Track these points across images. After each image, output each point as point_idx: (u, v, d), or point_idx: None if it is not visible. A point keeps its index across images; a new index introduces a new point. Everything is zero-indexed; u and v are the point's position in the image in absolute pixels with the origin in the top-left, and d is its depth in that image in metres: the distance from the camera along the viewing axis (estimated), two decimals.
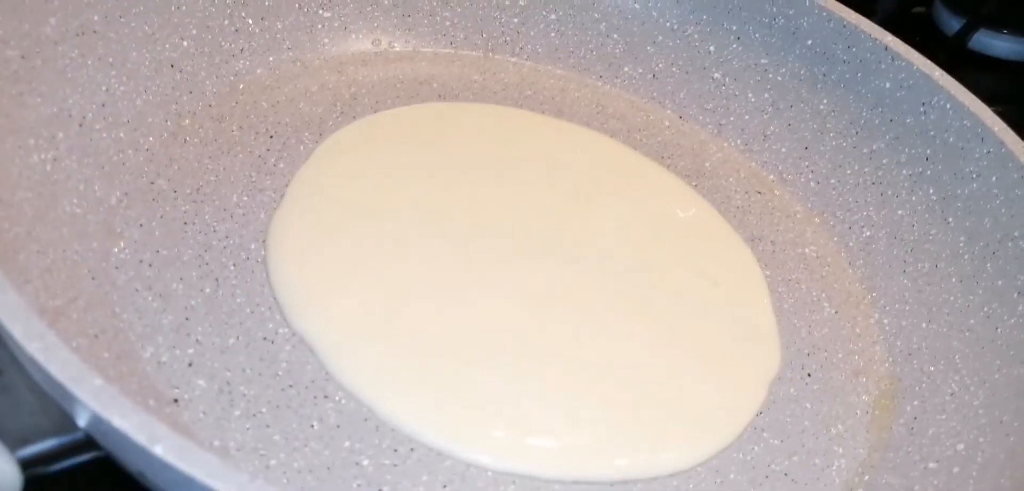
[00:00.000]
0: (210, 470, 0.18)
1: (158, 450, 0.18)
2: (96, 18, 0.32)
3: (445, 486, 0.27)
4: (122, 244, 0.30)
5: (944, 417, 0.31)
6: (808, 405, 0.32)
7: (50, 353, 0.19)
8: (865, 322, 0.35)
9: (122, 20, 0.33)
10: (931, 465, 0.29)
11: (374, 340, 0.29)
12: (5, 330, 0.20)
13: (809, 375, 0.33)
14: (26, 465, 0.21)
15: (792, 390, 0.32)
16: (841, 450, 0.31)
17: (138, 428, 0.19)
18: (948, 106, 0.37)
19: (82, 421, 0.20)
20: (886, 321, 0.35)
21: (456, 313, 0.31)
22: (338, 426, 0.27)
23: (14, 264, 0.25)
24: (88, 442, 0.22)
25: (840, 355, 0.34)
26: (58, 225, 0.29)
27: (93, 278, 0.29)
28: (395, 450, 0.27)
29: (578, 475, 0.28)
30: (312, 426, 0.27)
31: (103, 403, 0.19)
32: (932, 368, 0.33)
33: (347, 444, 0.27)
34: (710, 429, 0.30)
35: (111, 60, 0.33)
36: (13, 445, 0.21)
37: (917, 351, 0.34)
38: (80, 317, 0.27)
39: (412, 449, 0.27)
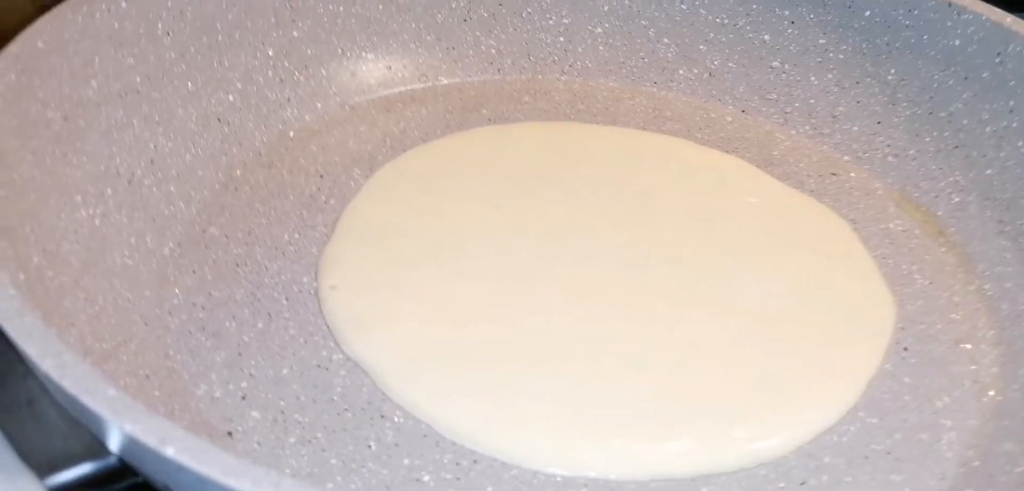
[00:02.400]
0: (225, 467, 0.17)
1: (170, 452, 0.17)
2: (138, 79, 0.33)
3: None
4: (176, 291, 0.30)
5: None
6: (907, 380, 0.29)
7: (64, 368, 0.19)
8: (963, 290, 0.32)
9: (165, 80, 0.34)
10: None
11: (430, 357, 0.28)
12: (25, 353, 0.20)
13: (905, 349, 0.30)
14: None
15: (888, 366, 0.29)
16: (949, 423, 0.27)
17: (148, 432, 0.18)
18: None
19: (111, 444, 0.19)
20: (987, 286, 0.32)
21: (520, 324, 0.30)
22: (396, 444, 0.26)
23: (58, 309, 0.25)
24: (120, 470, 0.21)
25: (939, 326, 0.31)
26: (108, 275, 0.29)
27: (145, 323, 0.28)
28: (457, 464, 0.26)
29: (654, 473, 0.25)
30: (369, 447, 0.26)
31: (119, 413, 0.18)
32: None
33: (407, 462, 0.26)
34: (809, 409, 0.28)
35: (157, 118, 0.33)
36: (42, 472, 0.20)
37: None
38: (131, 359, 0.27)
39: (475, 462, 0.26)
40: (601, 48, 0.42)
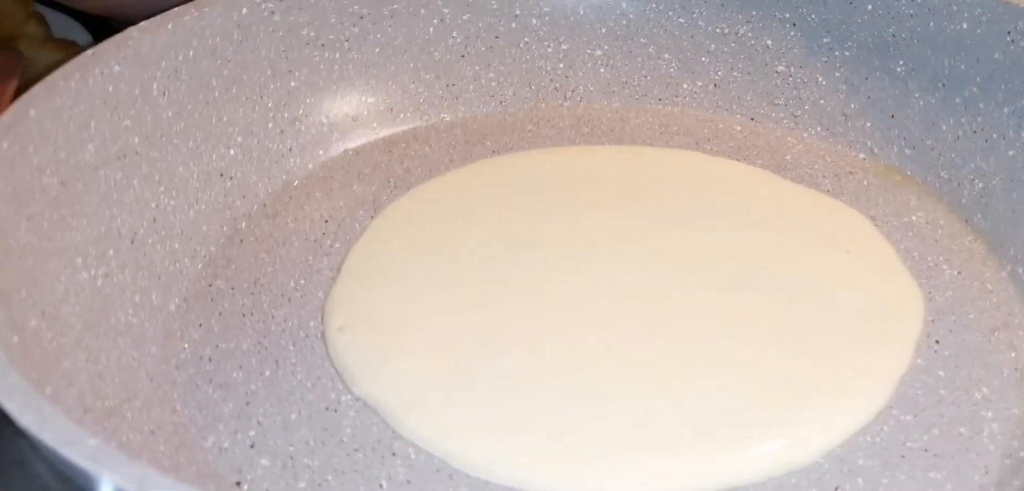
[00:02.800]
0: None
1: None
2: (136, 140, 0.33)
3: None
4: (183, 345, 0.30)
5: None
6: (941, 373, 0.27)
7: (45, 423, 0.18)
8: (995, 277, 0.31)
9: (163, 139, 0.34)
10: None
11: (440, 391, 0.27)
12: (7, 409, 0.19)
13: (937, 342, 0.29)
14: None
15: (919, 361, 0.28)
16: (990, 414, 0.26)
17: (128, 479, 0.17)
18: None
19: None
20: (1021, 270, 0.31)
21: (530, 352, 0.29)
22: (408, 481, 0.25)
23: (56, 369, 0.25)
24: None
25: (971, 316, 0.29)
26: (112, 334, 0.28)
27: (151, 380, 0.28)
28: None
29: None
30: (381, 485, 0.25)
31: (99, 463, 0.17)
32: None
33: None
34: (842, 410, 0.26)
35: (157, 178, 0.33)
36: None
37: None
38: (135, 416, 0.26)
39: None
40: (602, 70, 0.42)
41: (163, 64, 0.34)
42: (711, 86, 0.41)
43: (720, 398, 0.26)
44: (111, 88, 0.33)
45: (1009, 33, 0.34)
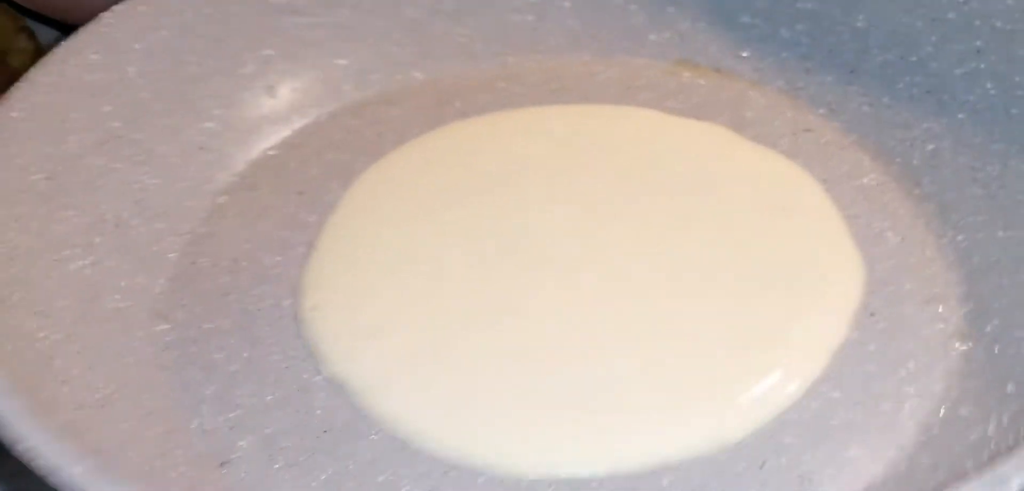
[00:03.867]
0: None
1: None
2: (117, 124, 0.34)
3: None
4: (167, 326, 0.32)
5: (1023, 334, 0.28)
6: (872, 348, 0.29)
7: (36, 449, 0.20)
8: (937, 244, 0.32)
9: (143, 119, 0.35)
10: (1010, 388, 0.26)
11: (404, 370, 0.30)
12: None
13: (872, 314, 0.30)
14: None
15: (854, 334, 0.30)
16: (912, 390, 0.28)
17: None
18: None
19: None
20: (960, 237, 0.32)
21: (489, 325, 0.31)
22: (372, 462, 0.28)
23: (46, 367, 0.27)
24: None
25: (908, 286, 0.31)
26: (102, 322, 0.31)
27: (139, 366, 0.30)
28: (429, 474, 0.27)
29: (614, 468, 0.27)
30: (347, 467, 0.28)
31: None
32: (1010, 279, 0.30)
33: (382, 478, 0.27)
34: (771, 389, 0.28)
35: (140, 158, 0.35)
36: None
37: (995, 264, 0.31)
38: (124, 405, 0.29)
39: (445, 472, 0.27)
40: (570, 22, 0.42)
41: (137, 46, 0.36)
42: (677, 37, 0.41)
43: (655, 371, 0.28)
44: (88, 77, 0.34)
45: None
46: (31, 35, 0.44)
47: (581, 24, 0.42)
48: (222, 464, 0.28)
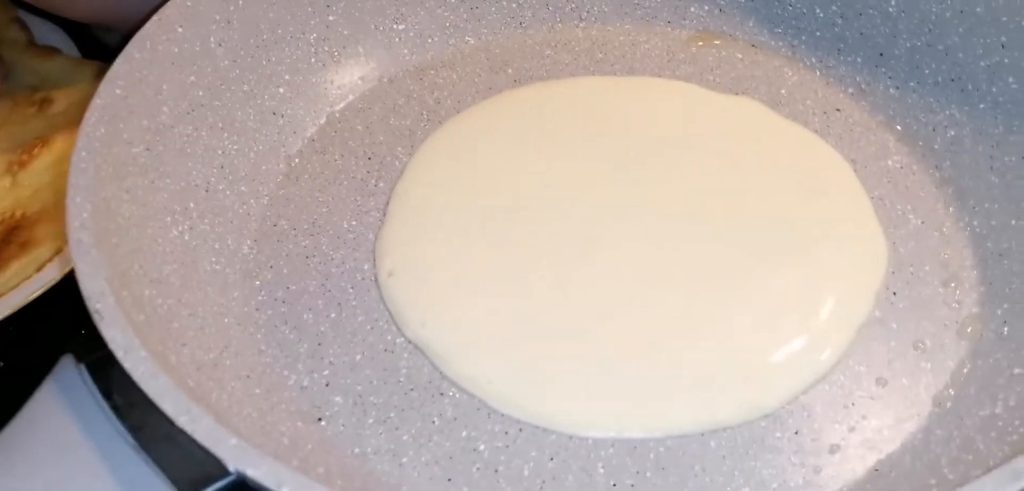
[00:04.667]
0: None
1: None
2: (201, 93, 0.37)
3: (552, 459, 0.30)
4: (257, 283, 0.35)
5: None
6: (893, 325, 0.33)
7: (196, 424, 0.24)
8: (954, 227, 0.36)
9: (223, 87, 0.38)
10: (1016, 371, 0.30)
11: (477, 335, 0.33)
12: (158, 406, 0.25)
13: (895, 293, 0.34)
14: None
15: (877, 312, 0.33)
16: (929, 366, 0.32)
17: (267, 475, 0.23)
18: None
19: (232, 470, 0.25)
20: (976, 222, 0.36)
21: (551, 295, 0.34)
22: (455, 419, 0.31)
23: (169, 332, 0.30)
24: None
25: (927, 268, 0.35)
26: (202, 285, 0.34)
27: (239, 324, 0.34)
28: (506, 432, 0.31)
29: (669, 430, 0.30)
30: (433, 422, 0.31)
31: (240, 458, 0.23)
32: (1022, 267, 0.33)
33: (464, 434, 0.31)
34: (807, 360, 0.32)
35: (221, 125, 0.38)
36: None
37: (1007, 251, 0.34)
38: (233, 363, 0.32)
39: (520, 430, 0.31)
40: None
41: (217, 16, 0.38)
42: (717, 10, 0.44)
43: (703, 343, 0.32)
44: (176, 49, 0.36)
45: None
46: (23, 26, 0.45)
47: None
48: (319, 419, 0.32)
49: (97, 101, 0.33)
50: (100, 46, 0.47)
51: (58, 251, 0.37)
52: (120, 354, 0.25)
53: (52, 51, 0.45)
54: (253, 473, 0.23)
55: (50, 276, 0.36)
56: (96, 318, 0.26)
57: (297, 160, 0.39)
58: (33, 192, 0.39)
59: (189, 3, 0.37)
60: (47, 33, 0.46)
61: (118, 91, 0.33)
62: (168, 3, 0.36)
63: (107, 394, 0.26)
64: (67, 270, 0.36)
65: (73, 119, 0.40)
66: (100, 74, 0.41)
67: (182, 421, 0.24)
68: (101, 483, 0.25)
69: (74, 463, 0.25)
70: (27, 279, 0.36)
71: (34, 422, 0.26)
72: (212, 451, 0.24)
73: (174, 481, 0.25)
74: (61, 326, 0.33)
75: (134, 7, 0.41)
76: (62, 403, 0.26)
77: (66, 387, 0.26)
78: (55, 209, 0.38)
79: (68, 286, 0.30)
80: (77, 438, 0.25)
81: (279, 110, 0.40)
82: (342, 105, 0.41)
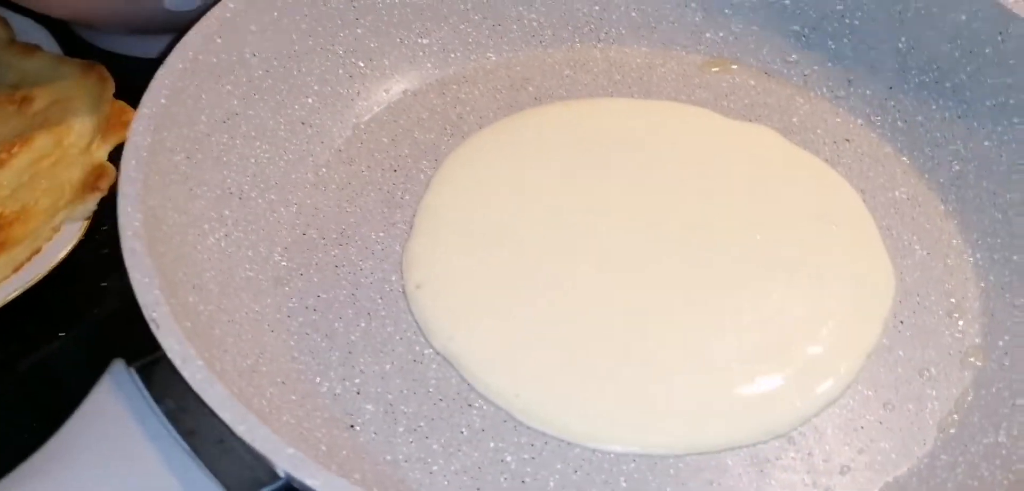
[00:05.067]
0: None
1: None
2: (235, 102, 0.38)
3: (576, 471, 0.32)
4: (288, 291, 0.36)
5: None
6: (900, 352, 0.35)
7: (254, 433, 0.25)
8: (958, 259, 0.38)
9: (256, 96, 0.39)
10: (1019, 401, 0.32)
11: (504, 349, 0.34)
12: (217, 415, 0.26)
13: (901, 322, 0.36)
14: None
15: (885, 340, 0.35)
16: (934, 392, 0.33)
17: (325, 485, 0.24)
18: None
19: (282, 476, 0.26)
20: (978, 256, 0.37)
21: (572, 309, 0.35)
22: (483, 430, 0.33)
23: (212, 338, 0.31)
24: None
25: (933, 297, 0.36)
26: (238, 291, 0.35)
27: (272, 331, 0.35)
28: (532, 444, 0.32)
29: (688, 447, 0.32)
30: (462, 433, 0.33)
31: (297, 468, 0.25)
32: (1020, 301, 0.35)
33: (492, 445, 0.32)
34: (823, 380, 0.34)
35: (253, 134, 0.39)
36: None
37: (1009, 284, 0.36)
38: (268, 369, 0.33)
39: (546, 443, 0.32)
40: (633, 14, 0.46)
41: (252, 27, 0.39)
42: (731, 38, 0.45)
43: (722, 366, 0.34)
44: (214, 59, 0.37)
45: (1001, 33, 0.39)
46: (4, 22, 0.45)
47: (642, 17, 0.46)
48: (352, 426, 0.33)
49: (144, 111, 0.34)
50: (82, 44, 0.47)
51: (36, 251, 0.36)
52: (178, 363, 0.26)
53: (33, 48, 0.44)
54: (312, 483, 0.24)
55: (26, 278, 0.35)
56: (153, 327, 0.27)
57: (325, 170, 0.40)
58: (11, 192, 0.39)
59: (228, 14, 0.38)
60: (29, 30, 0.45)
61: (163, 100, 0.34)
62: (207, 14, 0.37)
63: (158, 399, 0.27)
64: (45, 272, 0.35)
65: (53, 118, 0.40)
66: (82, 71, 0.42)
67: (240, 430, 0.25)
68: (156, 488, 0.26)
69: (128, 467, 0.26)
70: (4, 279, 0.35)
71: (88, 425, 0.27)
72: (269, 459, 0.25)
73: (227, 486, 0.26)
74: (111, 330, 0.34)
75: (117, 6, 0.41)
76: (116, 407, 0.27)
77: (118, 391, 0.27)
78: (34, 209, 0.37)
79: (120, 289, 0.30)
80: (131, 442, 0.26)
81: (308, 120, 0.41)
82: (368, 117, 0.42)
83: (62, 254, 0.36)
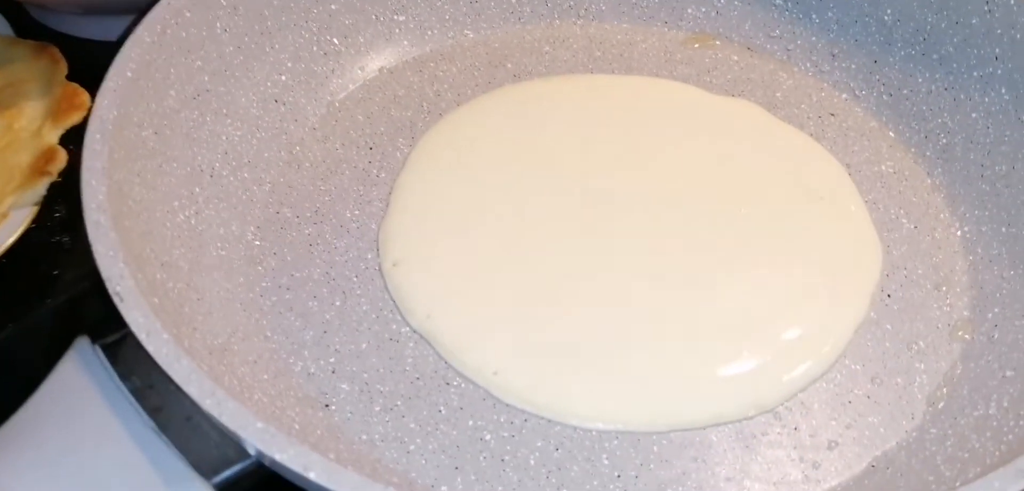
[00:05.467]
0: (353, 485, 0.23)
1: (312, 475, 0.23)
2: (206, 78, 0.37)
3: (557, 449, 0.31)
4: (261, 270, 0.35)
5: (1022, 323, 0.32)
6: (888, 326, 0.34)
7: (222, 407, 0.24)
8: (945, 233, 0.37)
9: (227, 72, 0.38)
10: (1008, 373, 0.31)
11: (481, 327, 0.33)
12: (183, 390, 0.25)
13: (889, 296, 0.35)
14: (221, 489, 0.27)
15: (872, 313, 0.34)
16: (922, 366, 0.33)
17: (294, 459, 0.23)
18: (1011, 1, 0.37)
19: (252, 452, 0.25)
20: (966, 229, 0.37)
21: (552, 286, 0.35)
22: (461, 408, 0.32)
23: (181, 316, 0.30)
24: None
25: (920, 271, 0.36)
26: (210, 269, 0.34)
27: (244, 310, 0.34)
28: (511, 422, 0.32)
29: (672, 424, 0.31)
30: (440, 411, 0.32)
31: (266, 443, 0.24)
32: (1011, 273, 0.34)
33: (471, 423, 0.31)
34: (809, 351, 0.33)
35: (225, 111, 0.38)
36: (208, 474, 0.26)
37: (997, 257, 0.35)
38: (240, 347, 0.32)
39: (526, 420, 0.32)
40: None
41: (223, 2, 0.38)
42: (714, 13, 0.44)
43: (705, 341, 0.33)
44: (184, 33, 0.36)
45: (987, 3, 0.38)
46: None
47: None
48: (327, 405, 0.32)
49: (108, 84, 0.33)
50: (35, 25, 0.46)
51: None
52: (143, 337, 0.25)
53: None
54: (281, 457, 0.23)
55: None
56: (116, 300, 0.26)
57: (299, 148, 0.39)
58: None
59: None
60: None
61: (129, 74, 0.33)
62: None
63: (124, 376, 0.26)
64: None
65: (4, 101, 0.39)
66: (34, 53, 0.40)
67: (207, 405, 0.25)
68: (121, 465, 0.25)
69: (93, 445, 0.25)
70: None
71: (52, 403, 0.26)
72: (238, 434, 0.24)
73: (194, 464, 0.25)
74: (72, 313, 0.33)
75: None
76: (79, 384, 0.26)
77: (83, 368, 0.26)
78: None
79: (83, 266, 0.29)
80: (96, 419, 0.25)
81: (281, 98, 0.40)
82: (343, 95, 0.41)
83: (10, 241, 0.35)
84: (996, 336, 0.33)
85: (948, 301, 0.35)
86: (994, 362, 0.32)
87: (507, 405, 0.32)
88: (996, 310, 0.34)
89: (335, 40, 0.42)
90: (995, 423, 0.30)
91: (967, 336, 0.33)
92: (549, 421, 0.32)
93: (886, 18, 0.42)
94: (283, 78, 0.40)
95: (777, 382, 0.32)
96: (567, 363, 0.33)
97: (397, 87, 0.42)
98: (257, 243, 0.36)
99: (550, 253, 0.36)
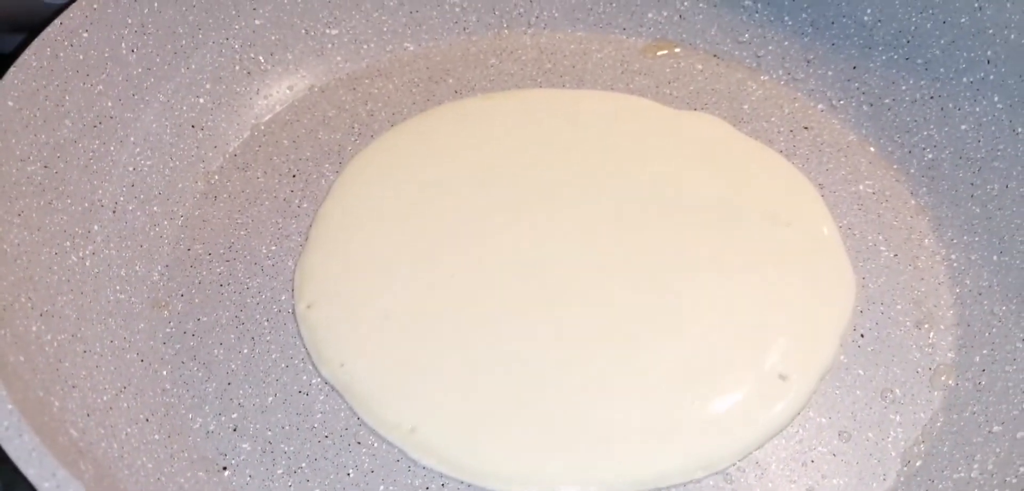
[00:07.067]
0: None
1: None
2: (109, 103, 0.34)
3: None
4: (166, 314, 0.32)
5: (1012, 368, 0.28)
6: (860, 372, 0.30)
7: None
8: (929, 261, 0.33)
9: (135, 97, 0.35)
10: (995, 428, 0.27)
11: (399, 381, 0.30)
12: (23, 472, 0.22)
13: (862, 336, 0.31)
14: None
15: (842, 357, 0.30)
16: (898, 418, 0.29)
17: None
18: None
19: None
20: (953, 257, 0.33)
21: (487, 337, 0.31)
22: (372, 471, 0.28)
23: (57, 374, 0.27)
24: None
25: (899, 306, 0.32)
26: (103, 316, 0.31)
27: (142, 360, 0.31)
28: (427, 487, 0.28)
29: (601, 489, 0.27)
30: (348, 474, 0.28)
31: None
32: (1003, 308, 0.30)
33: (381, 488, 0.28)
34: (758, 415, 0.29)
35: (132, 139, 0.34)
36: None
37: (987, 290, 0.31)
38: (131, 405, 0.29)
39: (443, 486, 0.28)
40: None
41: (129, 20, 0.35)
42: (677, 17, 0.41)
43: (644, 395, 0.29)
44: (81, 56, 0.33)
45: (977, 1, 0.34)
46: None
47: None
48: (224, 468, 0.29)
49: None
50: None
51: None
52: None
53: None
54: None
55: None
56: None
57: (217, 177, 0.36)
58: None
59: (96, 5, 0.33)
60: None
61: (10, 103, 0.30)
62: (72, 5, 0.33)
63: None
64: None
65: None
66: None
67: (46, 488, 0.21)
68: None
69: None
70: None
71: None
72: None
73: None
74: None
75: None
76: None
77: None
78: None
79: None
80: None
81: (199, 123, 0.37)
82: (268, 117, 0.38)
83: None
84: (983, 382, 0.29)
85: (930, 341, 0.31)
86: (979, 414, 0.28)
87: (423, 468, 0.28)
88: (984, 352, 0.30)
89: (260, 58, 0.38)
90: (977, 489, 0.26)
91: (951, 382, 0.29)
92: (467, 486, 0.28)
93: (866, 19, 0.38)
94: (201, 101, 0.37)
95: (728, 439, 0.28)
96: (493, 421, 0.29)
97: (328, 107, 0.39)
98: (163, 284, 0.33)
99: (483, 297, 0.32)
